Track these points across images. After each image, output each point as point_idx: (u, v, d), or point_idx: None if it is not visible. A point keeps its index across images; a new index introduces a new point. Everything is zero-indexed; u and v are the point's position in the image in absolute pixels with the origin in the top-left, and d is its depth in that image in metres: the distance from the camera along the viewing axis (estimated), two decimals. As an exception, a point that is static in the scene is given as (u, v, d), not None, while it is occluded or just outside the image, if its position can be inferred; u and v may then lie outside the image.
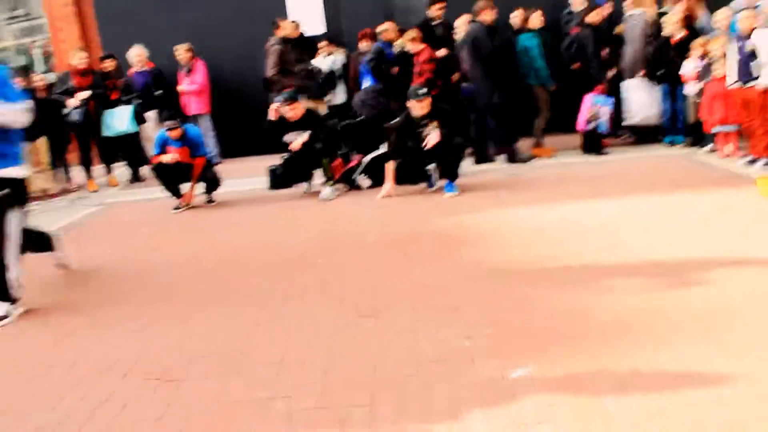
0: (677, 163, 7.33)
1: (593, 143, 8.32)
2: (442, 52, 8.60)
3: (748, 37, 6.57)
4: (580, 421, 2.49)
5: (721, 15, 7.60)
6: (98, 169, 9.37)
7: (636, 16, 8.37)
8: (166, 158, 7.12)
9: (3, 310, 4.25)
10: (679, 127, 8.20)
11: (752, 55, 6.52)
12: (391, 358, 3.18)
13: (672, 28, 8.03)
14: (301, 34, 9.82)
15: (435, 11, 8.87)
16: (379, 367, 3.11)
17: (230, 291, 4.43)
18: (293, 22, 9.65)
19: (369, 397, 2.82)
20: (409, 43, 8.37)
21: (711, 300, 3.53)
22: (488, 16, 8.02)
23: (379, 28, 9.04)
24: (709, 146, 7.64)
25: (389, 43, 8.87)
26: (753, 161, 6.74)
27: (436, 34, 8.83)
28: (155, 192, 7.75)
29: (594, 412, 2.54)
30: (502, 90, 8.03)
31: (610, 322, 3.37)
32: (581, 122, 8.21)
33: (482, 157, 8.40)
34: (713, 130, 7.41)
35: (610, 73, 8.33)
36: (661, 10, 8.60)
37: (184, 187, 7.36)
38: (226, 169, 8.20)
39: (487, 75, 7.98)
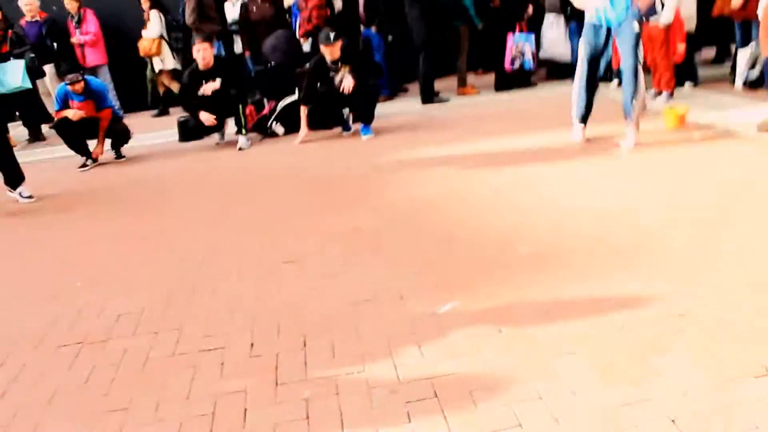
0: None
1: (520, 80, 8.47)
2: None
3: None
4: (508, 349, 2.56)
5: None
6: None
7: None
8: (71, 114, 6.75)
9: (27, 191, 5.82)
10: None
11: (656, -8, 6.70)
12: (319, 302, 3.18)
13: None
14: None
15: None
16: (307, 311, 3.10)
17: (148, 249, 4.29)
18: None
19: (301, 341, 2.81)
20: None
21: (622, 230, 3.67)
22: None
23: None
24: (616, 81, 7.86)
25: None
26: (657, 94, 6.98)
27: None
28: (59, 151, 7.38)
29: (521, 340, 2.62)
30: (435, 30, 8.01)
31: (529, 254, 3.47)
32: (507, 62, 8.34)
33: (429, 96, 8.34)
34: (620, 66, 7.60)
35: (529, 10, 8.43)
36: None
37: (90, 144, 7.02)
38: (130, 123, 7.84)
39: (423, 15, 7.91)
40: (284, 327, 2.97)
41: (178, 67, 9.51)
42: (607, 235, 3.62)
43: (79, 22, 9.30)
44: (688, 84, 7.40)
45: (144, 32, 9.43)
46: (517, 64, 8.37)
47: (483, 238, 3.77)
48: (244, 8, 8.79)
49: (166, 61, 9.51)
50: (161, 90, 9.80)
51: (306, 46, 8.33)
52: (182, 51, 9.47)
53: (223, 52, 9.08)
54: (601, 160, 5.08)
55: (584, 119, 5.68)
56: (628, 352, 2.45)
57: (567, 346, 2.53)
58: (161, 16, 9.42)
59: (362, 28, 8.63)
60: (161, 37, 9.43)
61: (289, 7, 8.95)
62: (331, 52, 6.65)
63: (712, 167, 4.65)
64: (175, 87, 9.60)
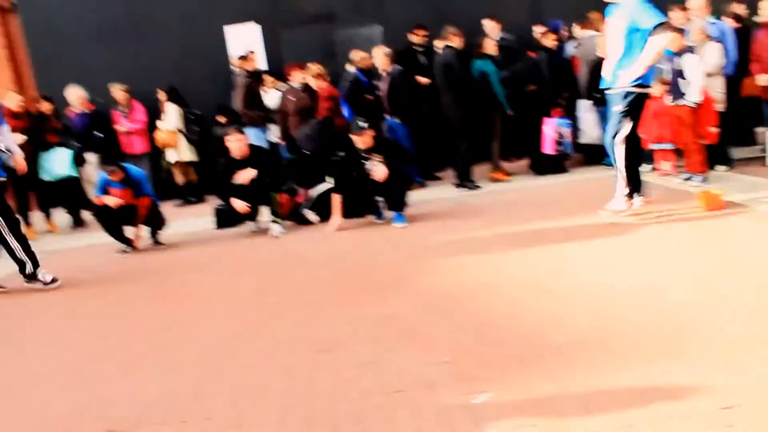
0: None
1: (556, 165, 8.55)
2: (423, 81, 8.73)
3: (679, 56, 6.82)
4: (546, 444, 2.47)
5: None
6: (37, 215, 9.07)
7: (589, 39, 8.59)
8: (110, 201, 6.93)
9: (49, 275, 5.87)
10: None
11: (681, 74, 6.77)
12: (350, 392, 3.12)
13: (603, 49, 8.28)
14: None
15: (418, 38, 8.93)
16: (339, 401, 3.04)
17: (180, 334, 4.30)
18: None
19: (331, 433, 2.75)
20: (312, 78, 8.47)
21: (664, 316, 3.58)
22: (458, 42, 8.21)
23: (354, 55, 9.05)
24: (648, 166, 7.86)
25: (366, 71, 8.91)
26: (689, 178, 6.94)
27: (419, 62, 8.93)
28: (99, 237, 7.53)
29: (559, 434, 2.53)
30: (472, 115, 8.17)
31: (566, 342, 3.39)
32: (548, 145, 8.43)
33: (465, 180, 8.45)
34: (650, 147, 7.62)
35: (564, 96, 8.59)
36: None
37: (128, 231, 7.17)
38: (167, 211, 8.00)
39: (459, 101, 8.08)
40: (315, 418, 2.91)
41: (195, 159, 9.90)
42: (648, 320, 3.53)
43: (128, 112, 9.71)
44: (721, 167, 7.35)
45: (160, 123, 9.78)
46: (561, 149, 8.49)
47: (518, 325, 3.70)
48: (283, 98, 9.10)
49: (182, 153, 9.84)
50: (181, 181, 10.06)
51: None
52: (198, 143, 9.91)
53: (268, 139, 9.38)
54: (638, 242, 5.01)
55: (633, 189, 5.85)
56: (672, 448, 2.35)
57: (607, 441, 2.43)
58: (178, 108, 9.79)
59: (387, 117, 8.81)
60: (178, 129, 9.78)
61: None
62: (362, 141, 6.77)
63: (752, 250, 4.55)
64: (194, 177, 9.93)
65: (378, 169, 6.69)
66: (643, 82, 5.51)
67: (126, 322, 4.72)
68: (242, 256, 6.40)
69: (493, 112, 8.42)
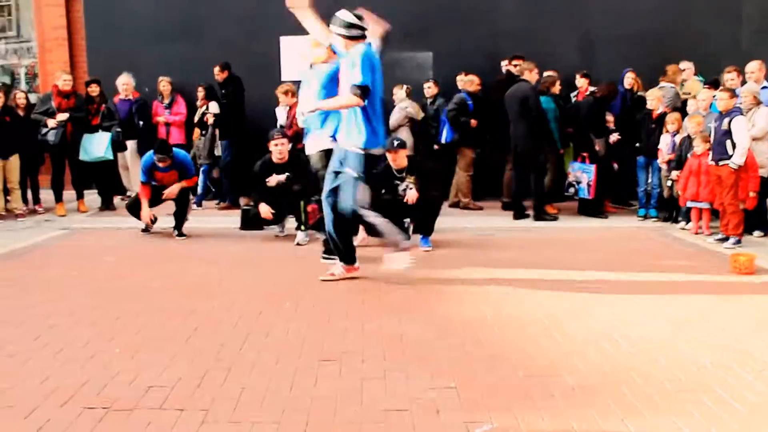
0: (649, 237, 7.37)
1: (589, 207, 8.47)
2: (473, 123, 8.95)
3: (726, 117, 6.70)
4: (543, 482, 2.40)
5: (704, 95, 7.80)
6: (69, 193, 9.19)
7: (664, 90, 8.53)
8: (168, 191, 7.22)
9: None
10: (653, 200, 8.29)
11: (728, 134, 6.64)
12: (352, 404, 3.08)
13: (653, 102, 8.21)
14: None
15: (513, 67, 8.99)
16: (338, 411, 3.00)
17: (192, 324, 4.29)
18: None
19: (326, 441, 2.71)
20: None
21: (678, 372, 3.48)
22: (534, 76, 8.30)
23: (462, 78, 9.17)
24: (681, 222, 7.73)
25: (471, 94, 8.97)
26: (723, 239, 6.79)
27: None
28: (126, 221, 7.62)
29: (558, 474, 2.45)
30: (544, 148, 8.29)
31: (577, 385, 3.31)
32: (564, 187, 8.43)
33: (520, 214, 8.45)
34: (687, 205, 7.49)
35: (599, 142, 8.49)
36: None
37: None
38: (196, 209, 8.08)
39: (533, 133, 8.13)
40: (312, 424, 2.88)
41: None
42: (662, 373, 3.44)
43: (171, 104, 9.84)
44: (756, 232, 7.19)
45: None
46: (572, 191, 8.44)
47: (530, 362, 3.63)
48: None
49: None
50: (215, 174, 10.12)
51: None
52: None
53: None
54: (661, 298, 4.90)
55: (342, 257, 5.56)
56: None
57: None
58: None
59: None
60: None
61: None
62: (394, 158, 6.73)
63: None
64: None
65: (409, 193, 6.66)
66: (369, 146, 5.18)
67: (140, 305, 4.73)
68: (263, 258, 6.40)
69: (547, 149, 8.50)
